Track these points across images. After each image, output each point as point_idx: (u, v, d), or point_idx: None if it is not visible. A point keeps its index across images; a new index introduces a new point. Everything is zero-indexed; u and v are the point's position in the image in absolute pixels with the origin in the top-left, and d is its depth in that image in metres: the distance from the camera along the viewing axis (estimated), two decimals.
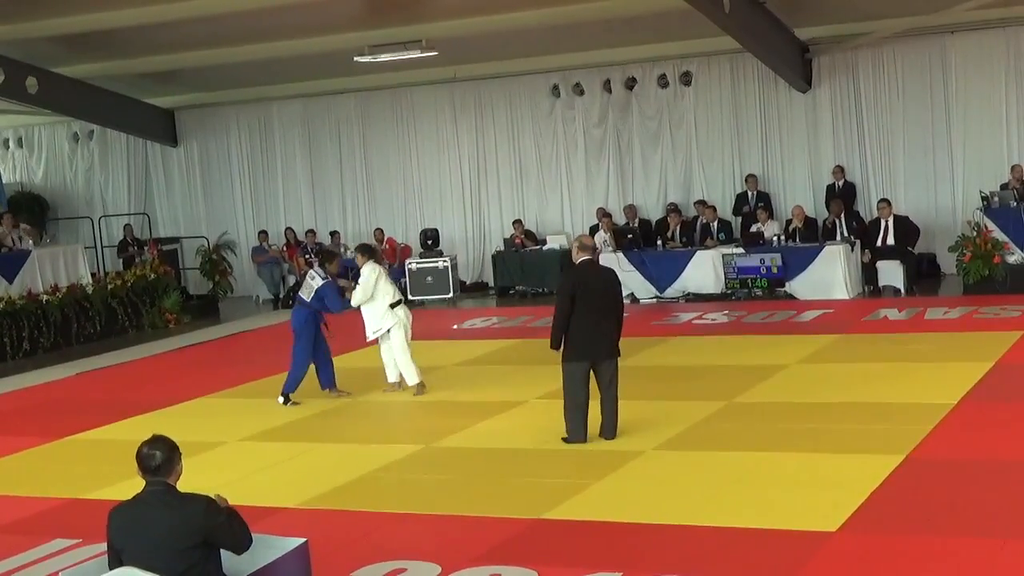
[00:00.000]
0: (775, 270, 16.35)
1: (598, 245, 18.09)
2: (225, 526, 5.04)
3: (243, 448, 10.03)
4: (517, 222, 19.63)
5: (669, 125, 19.22)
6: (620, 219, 19.02)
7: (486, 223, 20.62)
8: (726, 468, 8.28)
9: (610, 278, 9.36)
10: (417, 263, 19.22)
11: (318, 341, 11.61)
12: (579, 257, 9.22)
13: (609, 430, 9.20)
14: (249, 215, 22.23)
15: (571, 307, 8.90)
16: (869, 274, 16.51)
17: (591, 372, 9.07)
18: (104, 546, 6.69)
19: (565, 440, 9.13)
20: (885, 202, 16.71)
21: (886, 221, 16.44)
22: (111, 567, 5.07)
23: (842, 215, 16.94)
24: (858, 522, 6.86)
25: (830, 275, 16.15)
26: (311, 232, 20.49)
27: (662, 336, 14.21)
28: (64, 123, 23.09)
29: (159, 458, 5.08)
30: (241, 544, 5.11)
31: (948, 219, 17.32)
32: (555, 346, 9.10)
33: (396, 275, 19.27)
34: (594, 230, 18.79)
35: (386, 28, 17.26)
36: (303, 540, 5.42)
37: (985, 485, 7.51)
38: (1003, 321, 13.35)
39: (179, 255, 21.41)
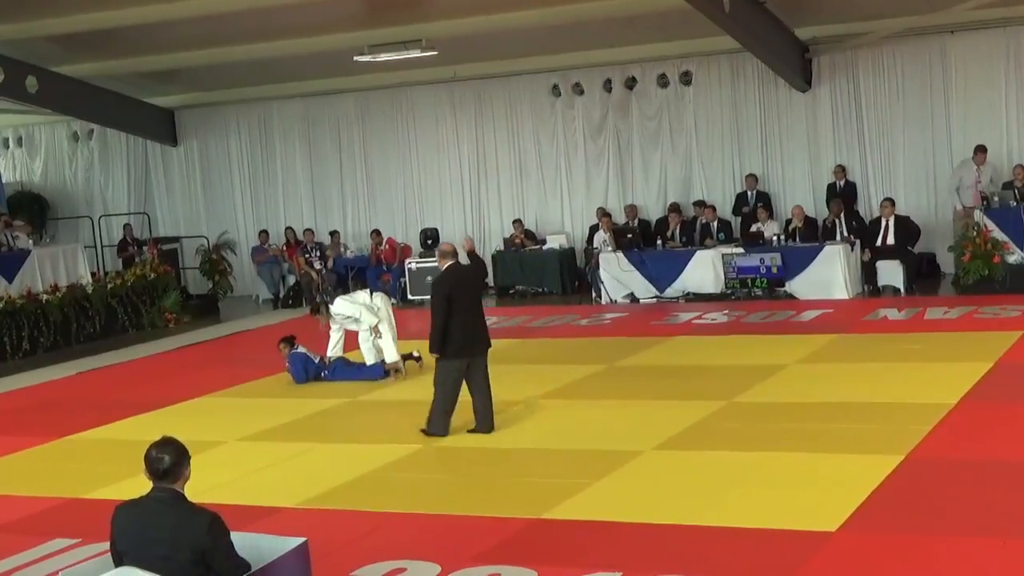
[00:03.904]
0: (775, 270, 16.34)
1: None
2: (225, 549, 4.94)
3: (243, 448, 10.03)
4: (517, 222, 19.62)
5: (669, 125, 19.21)
6: (620, 219, 19.02)
7: (486, 223, 20.60)
8: (726, 468, 8.27)
9: (477, 276, 10.13)
10: (417, 263, 19.20)
11: None
12: (445, 263, 9.79)
13: (486, 424, 9.66)
14: (249, 215, 22.23)
15: (448, 310, 9.38)
16: (869, 274, 16.51)
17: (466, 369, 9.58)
18: (104, 545, 6.72)
19: (424, 432, 9.61)
20: (888, 201, 16.71)
21: (887, 221, 16.44)
22: (115, 564, 5.05)
23: (841, 215, 16.94)
24: (858, 522, 6.86)
25: (830, 275, 16.14)
26: (309, 231, 20.49)
27: (662, 336, 14.21)
28: (64, 123, 23.09)
29: (167, 462, 4.99)
30: (234, 573, 4.98)
31: (948, 219, 17.30)
32: (435, 349, 9.59)
33: (396, 275, 19.32)
34: (594, 230, 18.80)
35: (386, 28, 17.26)
36: (303, 540, 5.41)
37: (985, 485, 7.50)
38: (1003, 321, 13.34)
39: (179, 255, 21.40)
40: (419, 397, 11.58)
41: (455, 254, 9.96)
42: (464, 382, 9.70)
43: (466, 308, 9.54)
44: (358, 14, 17.24)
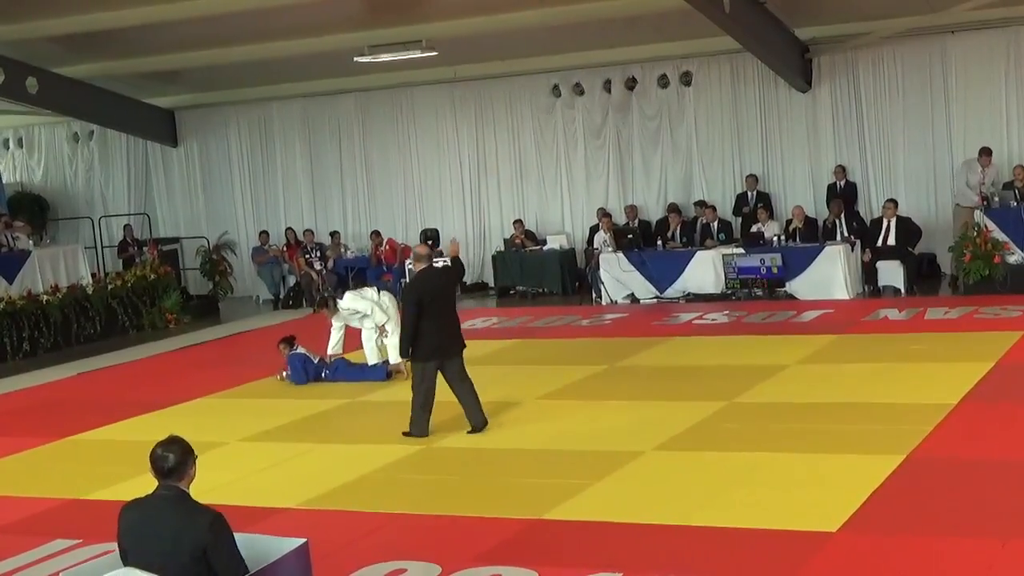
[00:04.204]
0: (775, 270, 16.34)
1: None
2: (225, 546, 4.94)
3: (243, 448, 10.03)
4: (518, 222, 19.62)
5: (669, 125, 19.21)
6: (621, 219, 19.02)
7: (486, 223, 20.61)
8: (726, 468, 8.27)
9: (445, 278, 10.19)
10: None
11: None
12: (418, 267, 10.02)
13: (479, 422, 9.79)
14: (249, 215, 22.23)
15: (418, 314, 9.54)
16: (869, 274, 16.51)
17: (439, 371, 9.73)
18: (104, 546, 6.73)
19: (406, 434, 9.73)
20: (891, 202, 16.70)
21: (888, 221, 16.44)
22: (122, 562, 5.07)
23: (842, 215, 16.93)
24: (858, 522, 6.86)
25: (830, 275, 16.14)
26: (309, 232, 20.50)
27: (662, 336, 14.21)
28: (64, 123, 23.09)
29: (172, 460, 5.03)
30: (234, 573, 4.97)
31: (948, 219, 17.30)
32: (405, 354, 9.93)
33: (396, 275, 19.32)
34: (594, 230, 18.80)
35: (386, 28, 17.26)
36: (303, 540, 5.41)
37: (985, 485, 7.50)
38: (1003, 321, 13.34)
39: (179, 255, 21.41)
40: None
41: (429, 258, 10.19)
42: (448, 385, 9.79)
43: (438, 312, 9.65)
44: (358, 14, 17.24)
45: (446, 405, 11.01)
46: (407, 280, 18.99)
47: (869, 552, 6.40)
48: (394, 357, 12.59)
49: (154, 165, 22.98)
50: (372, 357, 12.81)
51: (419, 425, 9.77)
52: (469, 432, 9.74)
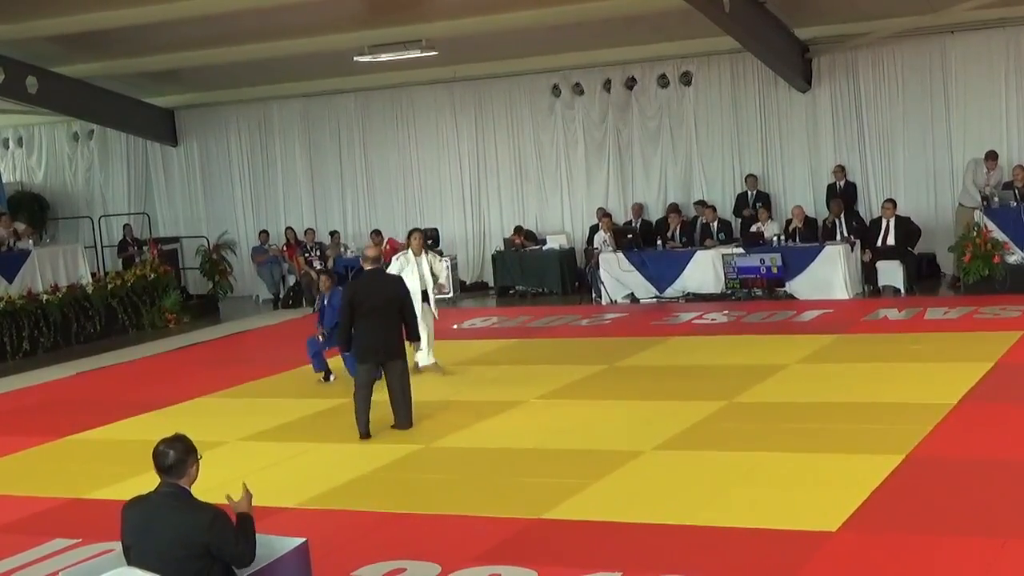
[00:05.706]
0: (775, 270, 16.34)
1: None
2: (230, 541, 4.97)
3: (243, 448, 10.03)
4: (518, 228, 19.59)
5: (669, 125, 19.21)
6: (623, 218, 19.03)
7: (486, 223, 20.61)
8: (726, 468, 8.28)
9: (391, 285, 10.25)
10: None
11: None
12: (365, 266, 10.31)
13: (403, 421, 10.05)
14: (249, 215, 22.23)
15: (351, 314, 9.79)
16: (869, 274, 16.51)
17: (383, 372, 10.01)
18: (103, 545, 6.74)
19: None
20: (890, 202, 16.70)
21: (888, 221, 16.44)
22: (126, 560, 5.09)
23: (842, 215, 16.94)
24: (858, 522, 6.86)
25: (830, 275, 16.15)
26: (310, 231, 20.51)
27: (662, 336, 14.22)
28: (64, 123, 23.09)
29: (172, 458, 5.05)
30: (243, 560, 5.02)
31: (948, 219, 17.31)
32: (344, 348, 10.32)
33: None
34: (594, 230, 18.81)
35: (386, 28, 17.27)
36: (303, 540, 5.42)
37: (985, 485, 7.51)
38: (1003, 321, 13.34)
39: (179, 255, 21.40)
40: (418, 398, 11.58)
41: (377, 260, 10.35)
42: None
43: (369, 314, 9.80)
44: (358, 14, 17.24)
45: (440, 405, 11.07)
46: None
47: (869, 552, 6.41)
48: (422, 359, 12.54)
49: (154, 165, 22.98)
50: None
51: (357, 422, 9.89)
52: (392, 427, 10.00)
